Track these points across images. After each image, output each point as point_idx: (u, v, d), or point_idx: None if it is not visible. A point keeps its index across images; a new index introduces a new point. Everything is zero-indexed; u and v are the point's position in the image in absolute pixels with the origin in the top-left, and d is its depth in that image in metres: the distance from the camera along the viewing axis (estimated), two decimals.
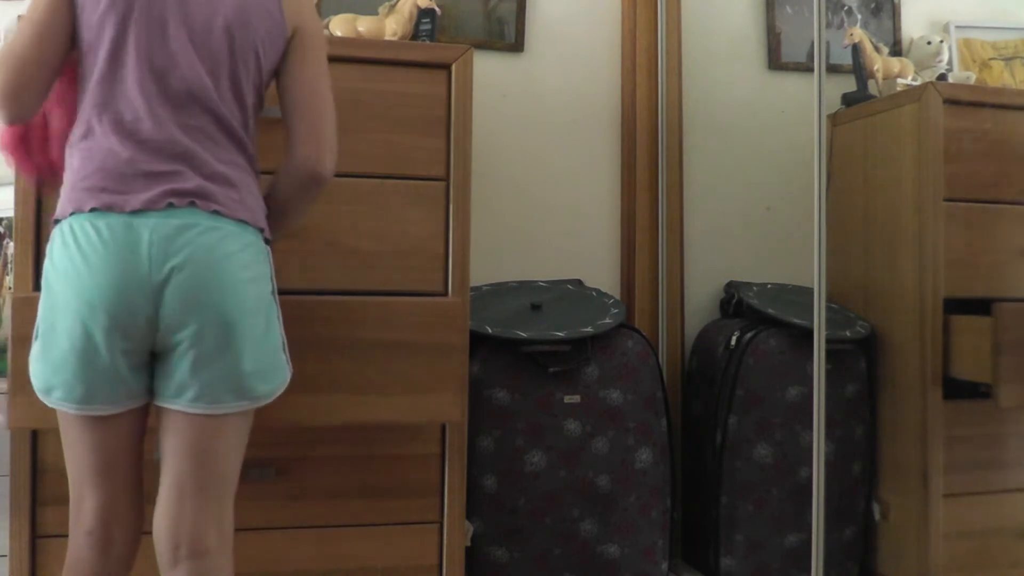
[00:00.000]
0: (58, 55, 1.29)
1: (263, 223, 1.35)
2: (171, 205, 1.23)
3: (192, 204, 1.24)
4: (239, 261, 1.26)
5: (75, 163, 1.28)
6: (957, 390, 2.09)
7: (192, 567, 1.26)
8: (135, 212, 1.21)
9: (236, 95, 1.34)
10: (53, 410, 1.28)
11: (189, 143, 1.27)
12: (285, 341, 1.36)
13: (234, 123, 1.33)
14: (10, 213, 1.77)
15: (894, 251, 2.20)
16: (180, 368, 1.24)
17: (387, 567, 1.81)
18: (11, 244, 1.89)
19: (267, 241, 1.36)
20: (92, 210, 1.22)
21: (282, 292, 1.76)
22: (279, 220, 1.46)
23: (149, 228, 1.21)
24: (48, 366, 1.24)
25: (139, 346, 1.23)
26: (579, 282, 2.33)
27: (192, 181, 1.25)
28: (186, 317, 1.22)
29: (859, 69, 2.41)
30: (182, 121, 1.28)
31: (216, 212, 1.26)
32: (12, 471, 1.65)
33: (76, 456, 1.29)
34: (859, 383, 2.23)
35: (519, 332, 2.01)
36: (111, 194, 1.23)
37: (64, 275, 1.22)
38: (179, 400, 1.25)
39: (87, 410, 1.24)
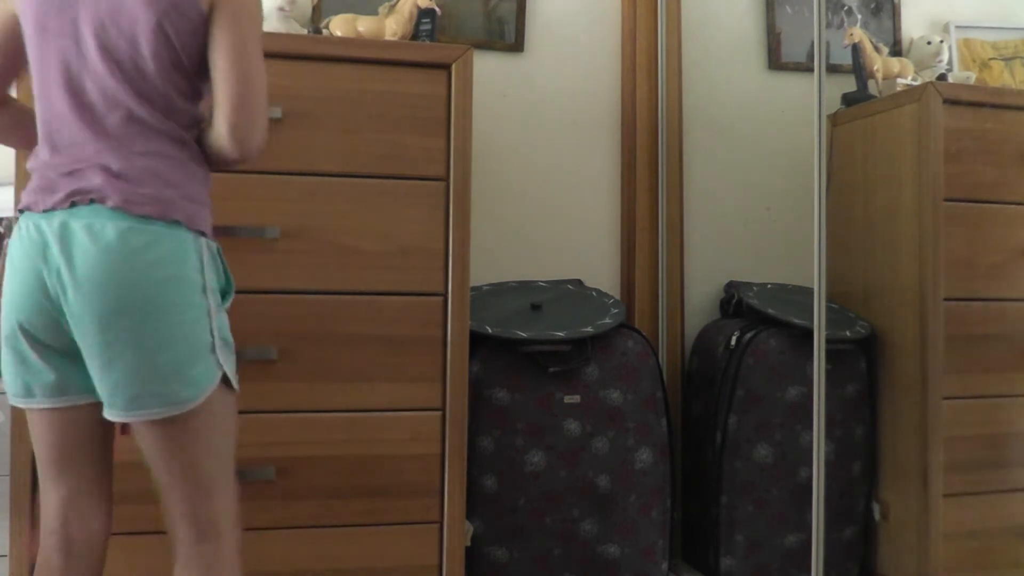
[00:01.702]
0: (11, 72, 1.35)
1: (182, 215, 1.25)
2: (74, 204, 1.22)
3: (93, 202, 1.22)
4: (144, 260, 1.21)
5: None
6: None
7: (202, 551, 1.28)
8: (44, 212, 1.23)
9: (151, 85, 1.27)
10: None
11: (99, 143, 1.25)
12: (220, 342, 1.27)
13: (151, 116, 1.27)
14: (10, 213, 1.77)
15: (894, 251, 2.20)
16: (104, 376, 1.22)
17: (387, 567, 1.80)
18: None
19: (202, 234, 1.28)
20: (21, 211, 1.27)
21: (282, 292, 1.76)
22: None
23: (53, 228, 1.21)
24: None
25: (58, 346, 1.24)
26: (579, 282, 2.33)
27: (95, 180, 1.23)
28: (89, 320, 1.20)
29: (859, 69, 2.41)
30: (95, 120, 1.26)
31: (120, 209, 1.21)
32: (12, 471, 1.65)
33: (36, 449, 1.32)
34: (859, 383, 2.23)
35: (519, 332, 2.01)
36: (34, 194, 1.26)
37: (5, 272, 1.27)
38: (112, 409, 1.23)
39: (30, 403, 1.28)
